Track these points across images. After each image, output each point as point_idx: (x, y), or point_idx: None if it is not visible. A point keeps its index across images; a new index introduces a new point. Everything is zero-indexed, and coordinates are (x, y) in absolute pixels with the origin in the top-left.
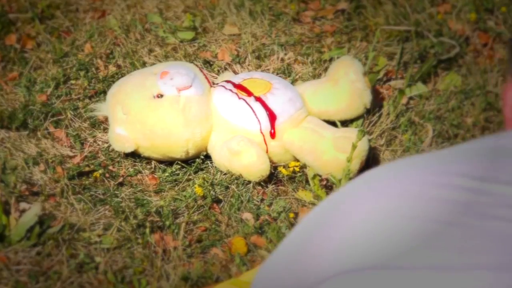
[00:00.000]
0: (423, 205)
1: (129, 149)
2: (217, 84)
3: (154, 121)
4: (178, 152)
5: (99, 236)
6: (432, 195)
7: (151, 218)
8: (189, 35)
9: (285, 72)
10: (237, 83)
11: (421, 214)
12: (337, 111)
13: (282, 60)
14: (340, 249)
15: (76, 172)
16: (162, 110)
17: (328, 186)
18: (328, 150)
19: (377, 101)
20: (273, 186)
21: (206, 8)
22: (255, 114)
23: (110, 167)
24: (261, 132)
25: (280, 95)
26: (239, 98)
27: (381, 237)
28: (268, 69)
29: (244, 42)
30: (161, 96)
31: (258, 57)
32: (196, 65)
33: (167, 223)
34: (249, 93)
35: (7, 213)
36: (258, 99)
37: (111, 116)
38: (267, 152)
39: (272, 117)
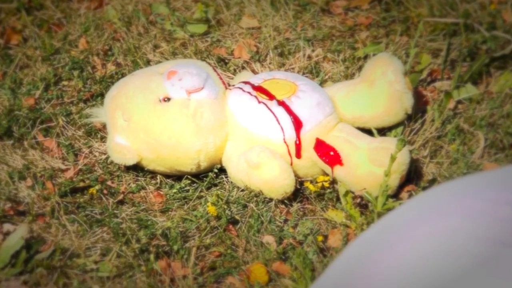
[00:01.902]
0: (486, 225)
1: (130, 161)
2: (233, 85)
3: (160, 128)
4: (188, 164)
5: (95, 262)
6: (496, 214)
7: (157, 242)
8: (201, 28)
9: (313, 71)
10: (256, 84)
11: (484, 234)
12: (373, 117)
13: (309, 57)
14: (399, 271)
15: (69, 188)
16: (169, 116)
17: (363, 205)
18: (363, 163)
19: (419, 106)
20: (299, 204)
21: None
22: (278, 121)
23: (109, 183)
24: (285, 142)
25: (306, 99)
26: (259, 102)
27: (443, 259)
28: (292, 68)
29: (265, 36)
30: (168, 99)
31: (281, 54)
32: (209, 64)
33: (175, 247)
34: (271, 96)
35: None
36: (281, 103)
37: (109, 122)
38: (291, 165)
39: (297, 124)
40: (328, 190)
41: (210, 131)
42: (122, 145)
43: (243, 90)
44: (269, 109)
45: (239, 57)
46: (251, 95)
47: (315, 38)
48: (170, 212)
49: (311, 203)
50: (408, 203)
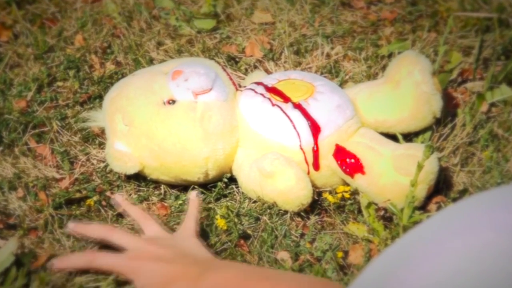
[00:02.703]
0: None
1: (132, 169)
2: (244, 86)
3: (164, 134)
4: (194, 173)
5: (95, 281)
6: None
7: None
8: (209, 23)
9: (332, 71)
10: (270, 85)
11: None
12: (399, 122)
13: (328, 55)
14: None
15: (64, 199)
16: (174, 119)
17: (387, 218)
18: (387, 171)
19: (449, 109)
20: (317, 217)
21: None
22: (294, 125)
23: (108, 193)
24: (301, 149)
25: (325, 101)
26: (273, 104)
27: (474, 278)
28: (309, 68)
29: (279, 32)
30: (173, 102)
31: (297, 52)
32: (218, 63)
33: None
34: (286, 99)
35: None
36: (297, 106)
37: (109, 127)
38: (308, 174)
39: (315, 129)
40: (349, 202)
41: (219, 136)
42: (123, 152)
43: (256, 92)
44: (284, 112)
45: (251, 56)
46: (264, 97)
47: (335, 35)
48: (175, 226)
49: (330, 216)
50: (437, 216)
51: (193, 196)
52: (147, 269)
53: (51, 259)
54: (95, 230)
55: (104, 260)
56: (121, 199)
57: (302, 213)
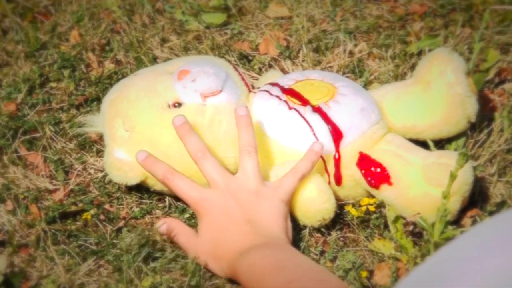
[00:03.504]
0: None
1: (133, 180)
2: (258, 88)
3: (169, 140)
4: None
5: None
6: None
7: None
8: (219, 18)
9: (355, 70)
10: (287, 86)
11: None
12: (429, 127)
13: (351, 53)
14: None
15: (58, 212)
16: None
17: (416, 233)
18: (416, 182)
19: (485, 112)
20: (338, 232)
21: None
22: (313, 131)
23: (107, 206)
24: (321, 157)
25: (347, 104)
26: (290, 108)
27: None
28: (330, 67)
29: (297, 28)
30: (179, 105)
31: (316, 50)
32: (229, 61)
33: (193, 283)
34: (304, 101)
35: None
36: (317, 109)
37: (108, 133)
38: (329, 184)
39: (336, 135)
40: (374, 216)
41: (230, 143)
42: (123, 160)
43: (271, 94)
44: (302, 116)
45: (266, 53)
46: (280, 99)
47: (358, 30)
48: None
49: (353, 231)
50: (471, 232)
51: (317, 146)
52: (222, 219)
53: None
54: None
55: (181, 183)
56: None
57: (322, 228)
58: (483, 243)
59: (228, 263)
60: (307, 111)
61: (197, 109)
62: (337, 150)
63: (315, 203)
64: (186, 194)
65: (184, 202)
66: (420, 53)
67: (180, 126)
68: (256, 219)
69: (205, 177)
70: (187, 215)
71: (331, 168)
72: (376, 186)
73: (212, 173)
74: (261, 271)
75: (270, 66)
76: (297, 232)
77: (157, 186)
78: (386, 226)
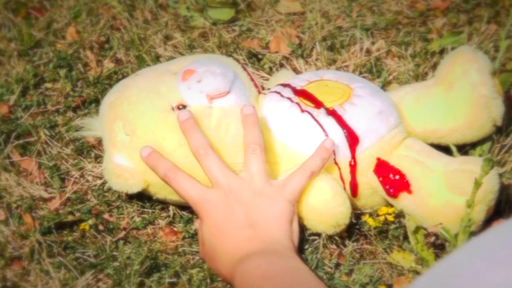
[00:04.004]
0: None
1: (134, 188)
2: (268, 89)
3: (173, 145)
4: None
5: None
6: None
7: None
8: (227, 14)
9: (373, 70)
10: (299, 88)
11: None
12: (452, 131)
13: (368, 52)
14: None
15: (53, 223)
16: None
17: (438, 245)
18: (438, 190)
19: None
20: (354, 244)
21: None
22: (327, 135)
23: (106, 216)
24: (336, 163)
25: (364, 106)
26: (302, 110)
27: None
28: (346, 66)
29: (310, 24)
30: (184, 107)
31: (331, 48)
32: (237, 60)
33: None
34: (318, 104)
35: None
36: (331, 112)
37: (107, 137)
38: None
39: (352, 140)
40: (393, 226)
41: (239, 148)
42: (123, 167)
43: (282, 95)
44: (315, 120)
45: (276, 52)
46: (292, 101)
47: (376, 27)
48: (187, 255)
49: (370, 243)
50: (477, 241)
51: (328, 143)
52: (222, 222)
53: None
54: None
55: (182, 181)
56: None
57: (337, 239)
58: (488, 255)
59: (226, 269)
60: (320, 114)
61: (203, 111)
62: (353, 156)
63: (329, 206)
64: (187, 193)
65: (189, 208)
66: (442, 52)
67: (185, 121)
68: (258, 222)
69: (207, 176)
70: (192, 226)
71: (347, 176)
72: (394, 195)
73: (214, 172)
74: (251, 282)
75: (281, 66)
76: (309, 243)
77: (159, 194)
78: (405, 237)
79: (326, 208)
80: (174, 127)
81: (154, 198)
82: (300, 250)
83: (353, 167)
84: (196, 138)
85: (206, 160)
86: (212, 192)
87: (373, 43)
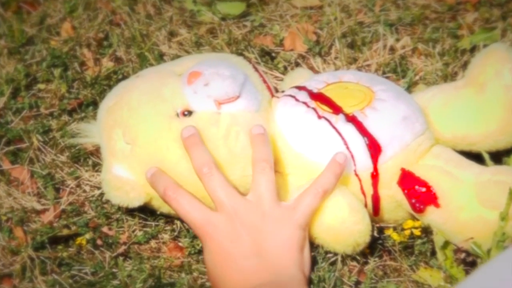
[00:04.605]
0: None
1: (135, 202)
2: (282, 92)
3: (178, 155)
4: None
5: None
6: None
7: None
8: (237, 8)
9: (397, 70)
10: (316, 91)
11: None
12: (484, 137)
13: (392, 49)
14: None
15: (47, 237)
16: None
17: (469, 262)
18: (469, 203)
19: None
20: (377, 260)
21: None
22: (346, 144)
23: (105, 229)
24: (356, 175)
25: (387, 111)
26: (320, 116)
27: None
28: (368, 66)
29: (329, 20)
30: (189, 113)
31: (351, 45)
32: (248, 60)
33: None
34: (336, 109)
35: None
36: (351, 118)
37: (105, 145)
38: (366, 206)
39: (374, 148)
40: (420, 241)
41: (249, 159)
42: (124, 178)
43: (297, 100)
44: (333, 127)
45: (292, 49)
46: (308, 106)
47: (401, 22)
48: (194, 274)
49: (394, 259)
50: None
51: (340, 157)
52: (227, 249)
53: None
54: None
55: (184, 201)
56: None
57: (358, 256)
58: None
59: None
60: (339, 120)
61: (211, 118)
62: (375, 167)
63: (346, 224)
64: (188, 215)
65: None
66: (473, 49)
67: (188, 138)
68: (266, 250)
69: (211, 197)
70: (199, 241)
71: (368, 188)
72: (421, 210)
73: (218, 193)
74: None
75: (297, 65)
76: (326, 261)
77: (164, 208)
78: (433, 253)
79: (343, 227)
80: (179, 135)
81: (158, 212)
82: (315, 267)
83: (375, 178)
84: (199, 154)
85: (210, 180)
86: (216, 216)
87: (397, 40)
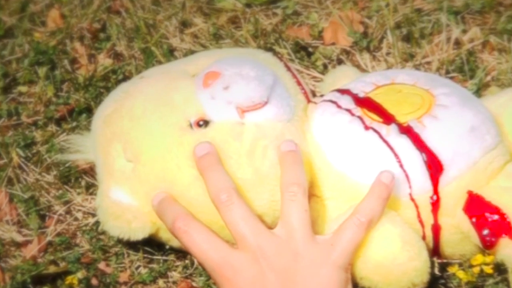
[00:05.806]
0: None
1: (139, 233)
2: (321, 96)
3: (191, 176)
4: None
5: None
6: None
7: None
8: None
9: (464, 68)
10: (362, 95)
11: None
12: None
13: (458, 43)
14: None
15: (29, 276)
16: None
17: None
18: None
19: None
20: None
21: None
22: (399, 162)
23: (101, 265)
24: (412, 199)
25: (451, 121)
26: (367, 127)
27: None
28: (428, 63)
29: (379, 6)
30: (205, 123)
31: (406, 38)
32: (279, 57)
33: None
34: (388, 117)
35: None
36: (406, 129)
37: (102, 163)
38: (424, 238)
39: (435, 167)
40: (491, 280)
41: (279, 180)
42: (124, 205)
43: (339, 106)
44: (383, 140)
45: (333, 43)
46: (353, 114)
47: (469, 10)
48: None
49: None
50: None
51: (387, 177)
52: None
53: None
54: None
55: (198, 237)
56: None
57: None
58: None
59: None
60: (391, 132)
61: (232, 130)
62: (435, 190)
63: (398, 261)
64: (202, 254)
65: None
66: None
67: (202, 157)
68: None
69: (231, 232)
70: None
71: (427, 216)
72: (492, 243)
73: (240, 227)
74: None
75: (340, 62)
76: None
77: (174, 241)
78: None
79: (395, 264)
80: (193, 151)
81: (167, 246)
82: None
83: (435, 204)
84: (216, 178)
85: (230, 210)
86: (237, 255)
87: (464, 31)
